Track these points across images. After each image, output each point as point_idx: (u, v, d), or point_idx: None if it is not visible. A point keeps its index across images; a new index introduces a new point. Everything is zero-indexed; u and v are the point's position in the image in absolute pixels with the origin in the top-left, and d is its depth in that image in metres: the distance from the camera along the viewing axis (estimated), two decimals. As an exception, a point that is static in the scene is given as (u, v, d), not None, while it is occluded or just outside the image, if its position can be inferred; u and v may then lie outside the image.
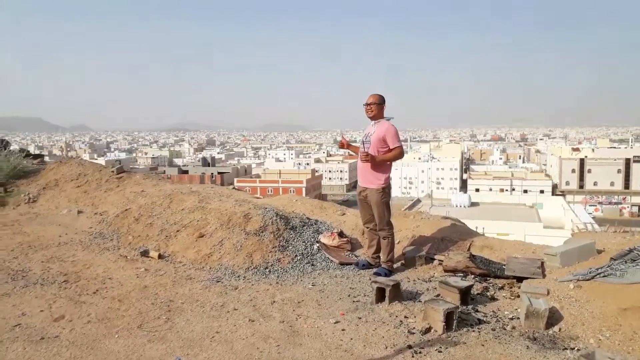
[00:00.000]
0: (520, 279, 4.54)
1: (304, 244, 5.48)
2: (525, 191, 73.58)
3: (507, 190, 77.98)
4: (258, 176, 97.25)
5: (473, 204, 45.95)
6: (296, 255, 5.23)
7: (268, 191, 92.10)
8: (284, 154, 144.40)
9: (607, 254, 4.62)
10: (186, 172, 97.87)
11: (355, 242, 5.92)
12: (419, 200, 51.41)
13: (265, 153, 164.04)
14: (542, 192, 74.00)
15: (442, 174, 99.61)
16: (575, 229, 6.10)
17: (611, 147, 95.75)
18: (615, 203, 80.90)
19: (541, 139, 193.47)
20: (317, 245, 5.53)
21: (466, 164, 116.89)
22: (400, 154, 4.84)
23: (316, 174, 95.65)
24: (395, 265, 5.14)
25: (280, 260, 5.09)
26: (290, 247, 5.35)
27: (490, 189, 77.17)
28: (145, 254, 5.34)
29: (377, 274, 4.86)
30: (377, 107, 4.90)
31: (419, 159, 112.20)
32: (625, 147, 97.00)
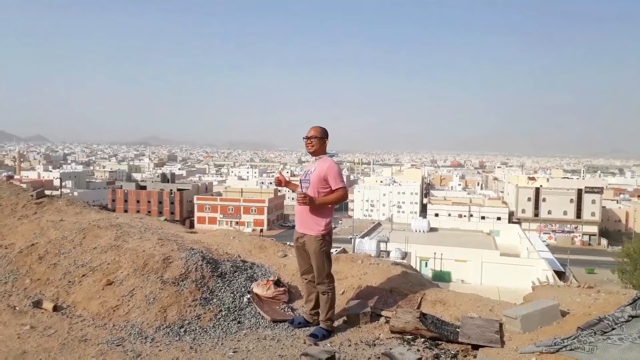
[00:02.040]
0: (476, 346, 3.94)
1: (232, 295, 4.72)
2: (483, 218, 74.90)
3: (465, 216, 79.26)
4: (219, 194, 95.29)
5: (432, 229, 46.10)
6: (221, 310, 4.46)
7: (229, 210, 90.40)
8: (248, 172, 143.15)
9: (573, 317, 4.09)
10: (144, 187, 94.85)
11: (295, 291, 5.20)
12: (379, 224, 51.28)
13: (228, 171, 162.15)
14: (499, 219, 75.46)
15: (403, 198, 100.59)
16: (535, 282, 5.58)
17: (564, 178, 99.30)
18: (568, 232, 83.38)
19: (499, 167, 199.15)
20: (248, 296, 4.78)
21: (426, 189, 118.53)
22: (343, 196, 4.21)
23: (279, 193, 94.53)
24: (336, 323, 4.45)
25: (200, 316, 4.30)
26: (214, 300, 4.57)
27: (449, 215, 78.27)
28: (37, 304, 4.45)
29: (313, 335, 4.15)
30: (318, 142, 4.26)
31: (381, 182, 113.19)
32: (578, 178, 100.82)
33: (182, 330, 4.13)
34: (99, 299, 4.47)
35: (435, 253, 35.01)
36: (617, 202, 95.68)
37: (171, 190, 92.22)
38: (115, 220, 6.47)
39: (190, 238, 6.26)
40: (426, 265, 35.17)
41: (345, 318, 4.57)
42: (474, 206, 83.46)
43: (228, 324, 4.33)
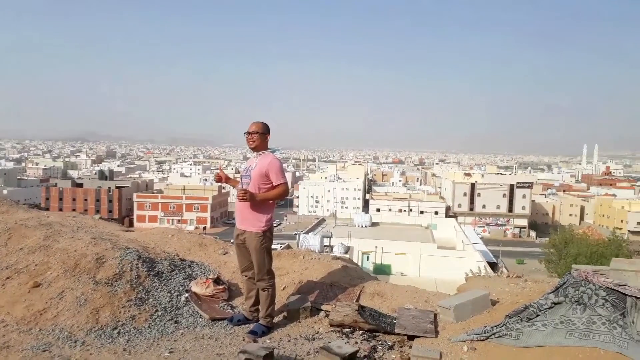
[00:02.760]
0: (411, 337, 4.07)
1: (169, 294, 4.60)
2: (422, 212, 77.18)
3: (405, 211, 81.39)
4: (160, 191, 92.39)
5: (374, 224, 47.07)
6: (157, 310, 4.34)
7: (170, 207, 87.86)
8: (190, 169, 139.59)
9: (502, 305, 4.31)
10: (80, 185, 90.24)
11: (235, 288, 5.14)
12: (323, 220, 51.71)
13: (170, 167, 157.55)
14: (436, 213, 78.11)
15: (346, 194, 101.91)
16: (468, 273, 5.82)
17: (498, 174, 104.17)
18: (500, 225, 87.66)
19: (437, 164, 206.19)
20: (186, 295, 4.69)
21: (369, 185, 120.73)
22: (285, 192, 4.21)
23: (223, 190, 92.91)
24: (276, 319, 4.45)
25: (135, 317, 4.17)
26: (150, 300, 4.44)
27: (390, 210, 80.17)
28: (-46, 311, 4.14)
29: (252, 332, 4.13)
30: (259, 137, 4.23)
31: (326, 178, 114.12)
32: (510, 174, 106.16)
33: (115, 332, 3.98)
34: (24, 303, 4.21)
35: (376, 247, 35.74)
36: (545, 197, 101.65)
37: (109, 187, 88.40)
38: (46, 219, 6.13)
39: (126, 237, 6.04)
40: (368, 259, 35.86)
41: (285, 314, 4.58)
42: (413, 201, 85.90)
43: (164, 324, 4.22)
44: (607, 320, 3.58)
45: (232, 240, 6.13)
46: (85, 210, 78.68)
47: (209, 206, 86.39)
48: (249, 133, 4.25)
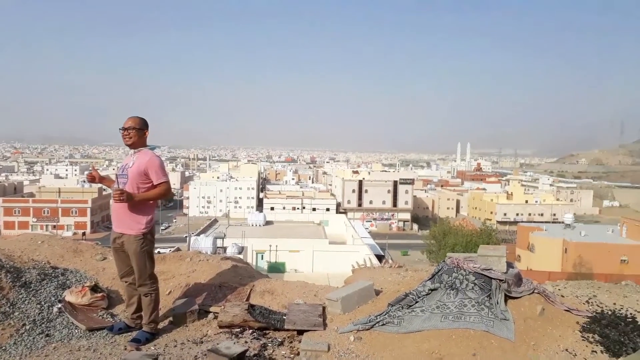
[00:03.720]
0: (301, 331, 4.12)
1: (39, 306, 4.17)
2: (314, 209, 79.00)
3: (298, 208, 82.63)
4: (32, 195, 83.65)
5: (268, 223, 47.07)
6: (24, 324, 3.91)
7: (44, 212, 79.93)
8: (67, 170, 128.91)
9: (385, 295, 4.54)
10: None
11: (115, 295, 4.81)
12: (216, 220, 50.59)
13: (43, 168, 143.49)
14: (328, 210, 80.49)
15: (240, 193, 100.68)
16: (355, 265, 6.04)
17: (383, 171, 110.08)
18: (386, 219, 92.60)
19: (327, 162, 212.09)
20: (60, 305, 4.28)
21: (262, 184, 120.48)
22: (166, 192, 4.01)
23: (104, 192, 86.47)
24: (161, 325, 4.25)
25: (-4, 334, 3.71)
26: (16, 313, 3.99)
27: (284, 208, 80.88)
28: None
29: (135, 340, 3.90)
30: (136, 133, 3.98)
31: (218, 178, 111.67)
32: (393, 171, 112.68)
33: (-30, 353, 3.52)
34: None
35: (270, 245, 35.85)
36: (425, 192, 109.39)
37: (-34, 192, 78.01)
38: None
39: (-14, 245, 5.36)
40: (262, 258, 35.83)
41: (171, 318, 4.39)
42: (306, 199, 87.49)
43: (34, 338, 3.82)
44: (476, 303, 3.94)
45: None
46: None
47: (89, 210, 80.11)
48: (124, 129, 3.99)
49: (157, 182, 3.95)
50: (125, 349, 3.80)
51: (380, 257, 32.13)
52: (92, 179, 4.12)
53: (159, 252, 6.78)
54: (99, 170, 4.27)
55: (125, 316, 4.27)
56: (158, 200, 4.16)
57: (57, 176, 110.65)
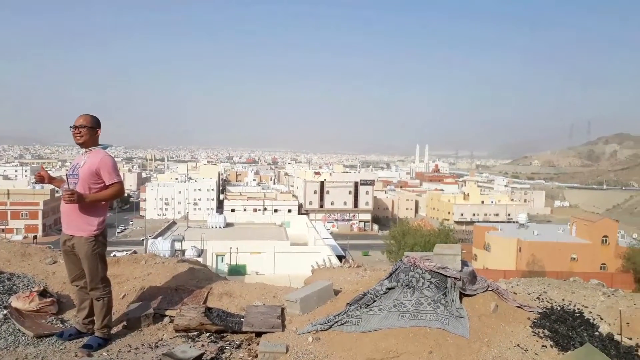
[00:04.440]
0: (259, 333, 4.08)
1: (-19, 313, 3.96)
2: (276, 211, 78.63)
3: (259, 210, 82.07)
4: (-25, 197, 79.61)
5: (228, 225, 46.51)
6: (-36, 333, 3.70)
7: (-11, 215, 76.14)
8: (16, 171, 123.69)
9: (344, 295, 4.55)
10: None
11: (66, 300, 4.63)
12: (174, 223, 49.59)
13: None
14: (289, 211, 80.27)
15: (199, 195, 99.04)
16: (314, 265, 6.04)
17: (344, 172, 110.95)
18: (348, 220, 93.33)
19: (289, 163, 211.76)
20: (5, 312, 4.08)
21: (223, 185, 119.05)
22: (119, 192, 3.89)
23: (57, 194, 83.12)
24: (115, 330, 4.11)
25: None
26: (-44, 322, 3.77)
27: (245, 209, 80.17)
28: None
29: (87, 346, 3.75)
30: (88, 132, 3.85)
31: (176, 179, 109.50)
32: (354, 172, 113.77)
33: None
34: None
35: (231, 248, 35.43)
36: (385, 193, 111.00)
37: None
38: None
39: None
40: (222, 261, 35.36)
41: (125, 323, 4.26)
42: (267, 200, 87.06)
43: (-25, 348, 3.62)
44: (432, 301, 4.01)
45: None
46: None
47: (40, 212, 76.93)
48: (75, 127, 3.84)
49: (109, 182, 3.83)
50: (76, 355, 3.66)
51: (341, 258, 32.35)
52: (41, 179, 3.95)
53: (114, 256, 6.59)
54: (50, 172, 4.10)
55: (76, 321, 4.11)
56: (110, 201, 4.03)
57: (6, 177, 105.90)
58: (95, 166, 3.79)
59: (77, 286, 4.02)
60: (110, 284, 4.05)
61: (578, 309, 4.32)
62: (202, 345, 3.81)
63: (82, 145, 3.88)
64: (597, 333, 3.84)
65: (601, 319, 4.11)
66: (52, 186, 4.06)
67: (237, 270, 33.80)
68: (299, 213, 77.57)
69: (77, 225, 3.80)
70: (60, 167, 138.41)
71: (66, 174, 3.89)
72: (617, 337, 3.77)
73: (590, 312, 4.23)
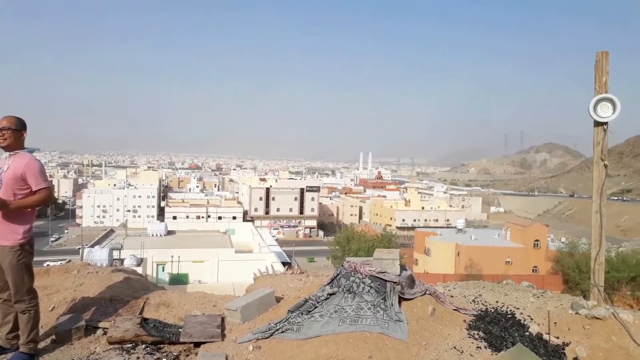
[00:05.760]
0: (198, 344, 3.98)
1: None
2: (220, 218, 77.36)
3: (203, 217, 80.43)
4: None
5: (170, 232, 45.22)
6: None
7: None
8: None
9: (286, 301, 4.53)
10: None
11: (-13, 314, 4.30)
12: (112, 231, 47.64)
13: None
14: (234, 218, 79.26)
15: (139, 202, 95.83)
16: (257, 273, 5.97)
17: (290, 179, 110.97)
18: (293, 226, 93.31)
19: (234, 169, 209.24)
20: None
21: (164, 192, 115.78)
22: (48, 198, 3.67)
23: None
24: (42, 344, 3.87)
25: None
26: None
27: (188, 217, 78.36)
28: None
29: (11, 362, 3.51)
30: (13, 134, 3.61)
31: (115, 185, 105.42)
32: (300, 179, 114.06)
33: None
34: None
35: (172, 256, 34.43)
36: (330, 199, 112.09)
37: None
38: None
39: None
40: (163, 270, 34.29)
41: (54, 336, 4.02)
42: (211, 207, 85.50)
43: None
44: (372, 305, 4.06)
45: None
46: None
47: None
48: None
49: (36, 187, 3.61)
50: (-3, 374, 3.42)
51: (287, 265, 32.24)
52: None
53: (47, 266, 6.22)
54: None
55: (0, 337, 3.84)
56: (38, 208, 3.80)
57: None
58: (21, 171, 3.56)
59: (0, 299, 3.76)
60: (38, 295, 3.81)
61: (510, 310, 4.51)
62: (138, 358, 3.67)
63: (6, 148, 3.63)
64: (527, 333, 4.03)
65: (531, 319, 4.31)
66: None
67: (178, 280, 32.89)
68: (244, 220, 76.75)
69: (1, 233, 3.55)
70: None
71: (-12, 180, 3.63)
72: (545, 337, 3.97)
73: (522, 313, 4.44)
